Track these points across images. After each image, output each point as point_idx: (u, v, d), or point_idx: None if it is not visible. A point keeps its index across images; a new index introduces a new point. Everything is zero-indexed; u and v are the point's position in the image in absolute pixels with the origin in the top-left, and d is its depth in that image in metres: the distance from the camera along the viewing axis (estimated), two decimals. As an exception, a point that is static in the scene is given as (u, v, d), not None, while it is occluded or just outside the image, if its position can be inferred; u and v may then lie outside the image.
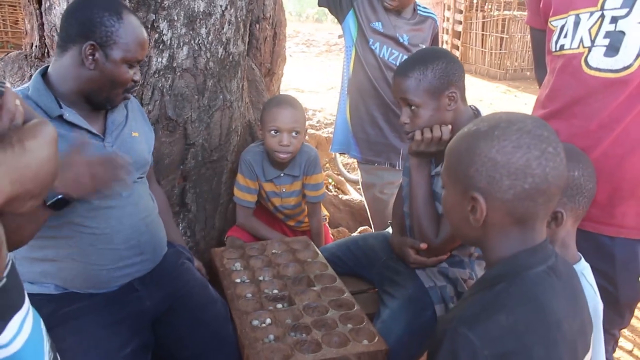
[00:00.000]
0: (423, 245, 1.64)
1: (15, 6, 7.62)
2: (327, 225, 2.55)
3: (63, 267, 1.42)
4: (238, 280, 1.73)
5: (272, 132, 2.06)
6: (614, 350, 1.66)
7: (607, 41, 1.38)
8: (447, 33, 11.76)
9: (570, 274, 1.02)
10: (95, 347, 1.36)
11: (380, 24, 2.42)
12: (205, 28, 1.92)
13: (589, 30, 1.41)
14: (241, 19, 2.08)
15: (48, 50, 2.07)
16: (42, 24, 2.01)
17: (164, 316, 1.56)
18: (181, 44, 1.88)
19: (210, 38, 1.95)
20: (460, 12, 11.43)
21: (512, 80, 10.40)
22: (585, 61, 1.42)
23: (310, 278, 1.75)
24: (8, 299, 0.65)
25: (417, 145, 1.61)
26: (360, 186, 2.87)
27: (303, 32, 17.06)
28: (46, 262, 1.41)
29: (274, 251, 1.94)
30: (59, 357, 0.80)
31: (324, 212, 2.49)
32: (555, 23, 1.50)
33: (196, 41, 1.91)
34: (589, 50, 1.41)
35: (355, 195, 3.88)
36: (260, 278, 1.74)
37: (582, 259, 1.29)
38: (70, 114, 1.39)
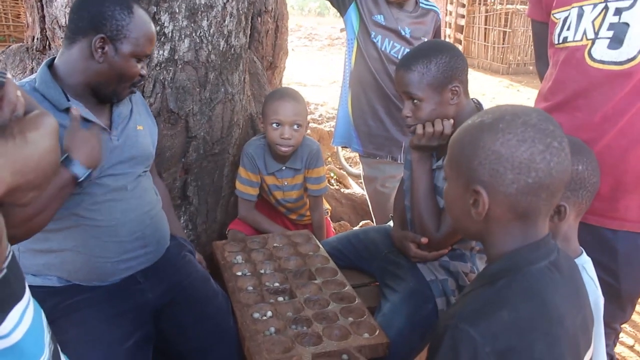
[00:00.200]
0: (424, 240, 1.64)
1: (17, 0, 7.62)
2: (329, 218, 2.55)
3: (67, 259, 1.42)
4: (239, 273, 1.73)
5: (274, 125, 2.05)
6: (615, 345, 1.66)
7: (611, 33, 1.37)
8: (450, 27, 11.71)
9: (572, 269, 1.01)
10: (98, 340, 1.36)
11: (382, 16, 2.41)
12: (207, 20, 1.92)
13: (593, 22, 1.40)
14: (243, 12, 2.07)
15: (49, 42, 2.06)
16: (43, 17, 2.00)
17: (166, 309, 1.57)
18: (183, 36, 1.88)
19: (211, 31, 1.94)
20: (463, 5, 11.38)
21: (514, 75, 10.37)
22: (589, 53, 1.41)
23: (311, 271, 1.75)
24: (8, 290, 0.65)
25: (418, 139, 1.61)
26: (361, 180, 2.87)
27: (305, 26, 17.01)
28: (50, 254, 1.42)
29: (275, 244, 1.94)
30: (59, 348, 0.80)
31: (326, 205, 2.49)
32: (558, 15, 1.49)
33: (198, 34, 1.90)
34: (593, 43, 1.41)
35: (357, 188, 3.88)
36: (262, 271, 1.75)
37: (584, 252, 1.29)
38: (77, 107, 1.39)
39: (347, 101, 2.60)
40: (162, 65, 1.87)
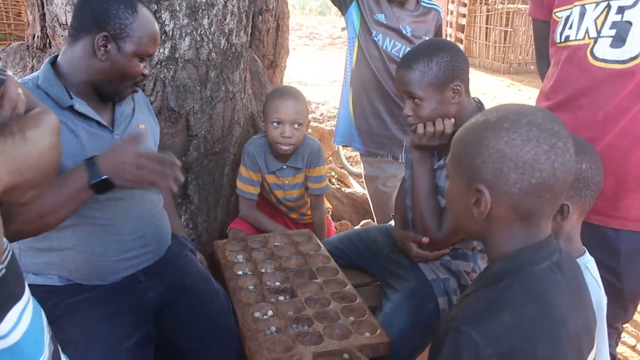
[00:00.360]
0: (425, 240, 1.63)
1: (18, -2, 7.61)
2: (330, 218, 2.55)
3: (68, 258, 1.42)
4: (240, 273, 1.73)
5: (275, 123, 2.05)
6: (616, 345, 1.65)
7: (613, 32, 1.36)
8: (451, 26, 11.69)
9: (575, 269, 1.00)
10: (98, 339, 1.36)
11: (383, 15, 2.41)
12: (208, 19, 1.91)
13: (595, 20, 1.40)
14: (244, 10, 2.06)
15: (50, 40, 2.06)
16: (44, 15, 2.00)
17: (167, 308, 1.56)
18: (183, 34, 1.87)
19: (212, 29, 1.94)
20: (465, 5, 11.36)
21: (516, 74, 10.34)
22: (591, 52, 1.41)
23: (312, 270, 1.75)
24: (7, 290, 0.64)
25: (419, 139, 1.60)
26: (363, 179, 2.87)
27: (306, 25, 16.97)
28: (51, 252, 1.41)
29: (276, 243, 1.94)
30: (60, 348, 0.79)
31: (327, 204, 2.48)
32: (560, 14, 1.49)
33: (198, 32, 1.90)
34: (595, 41, 1.40)
35: (358, 188, 3.88)
36: (263, 270, 1.74)
37: (587, 252, 1.28)
38: (80, 105, 1.39)
39: (348, 100, 2.59)
40: (163, 63, 1.87)
